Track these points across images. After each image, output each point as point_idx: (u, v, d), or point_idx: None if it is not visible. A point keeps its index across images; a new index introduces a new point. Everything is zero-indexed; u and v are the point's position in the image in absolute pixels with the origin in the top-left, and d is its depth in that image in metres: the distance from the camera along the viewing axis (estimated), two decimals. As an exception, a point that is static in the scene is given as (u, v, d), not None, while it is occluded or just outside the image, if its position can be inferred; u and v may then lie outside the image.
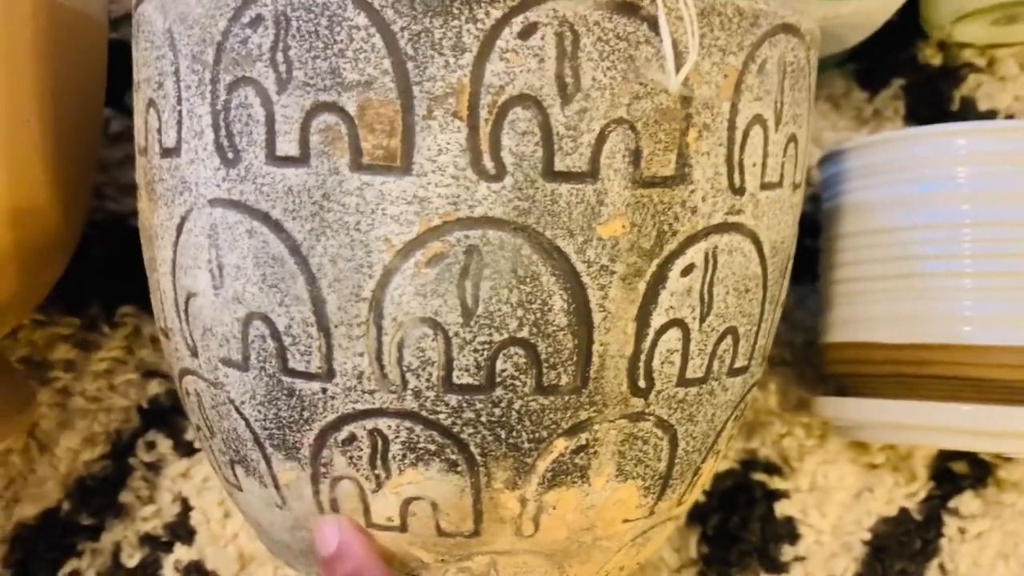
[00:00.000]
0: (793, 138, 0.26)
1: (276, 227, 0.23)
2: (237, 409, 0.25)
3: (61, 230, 0.33)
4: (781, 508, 0.40)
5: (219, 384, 0.25)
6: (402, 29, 0.21)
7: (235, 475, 0.27)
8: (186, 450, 0.40)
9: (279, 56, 0.22)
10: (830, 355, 0.36)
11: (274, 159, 0.22)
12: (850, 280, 0.35)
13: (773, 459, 0.40)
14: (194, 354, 0.26)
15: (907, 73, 0.43)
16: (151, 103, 0.25)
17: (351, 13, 0.21)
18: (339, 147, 0.22)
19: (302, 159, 0.22)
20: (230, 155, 0.23)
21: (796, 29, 0.25)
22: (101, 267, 0.40)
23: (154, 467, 0.40)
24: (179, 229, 0.25)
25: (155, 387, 0.40)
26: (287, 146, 0.22)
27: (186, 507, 0.39)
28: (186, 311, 0.25)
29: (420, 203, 0.22)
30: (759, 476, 0.40)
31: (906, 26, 0.42)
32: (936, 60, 0.43)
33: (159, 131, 0.25)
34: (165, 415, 0.40)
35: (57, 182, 0.31)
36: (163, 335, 0.28)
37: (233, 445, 0.26)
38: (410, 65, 0.21)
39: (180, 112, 0.24)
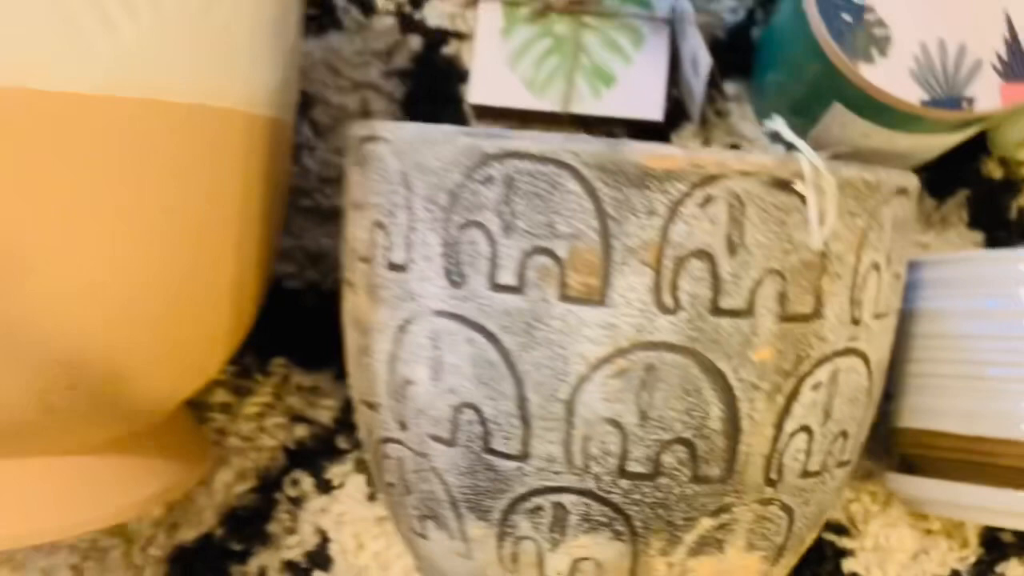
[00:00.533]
0: (898, 275, 0.31)
1: (492, 339, 0.28)
2: (439, 476, 0.31)
3: (256, 307, 0.38)
4: (847, 565, 0.45)
5: (424, 455, 0.31)
6: (607, 196, 0.27)
7: (423, 527, 0.33)
8: (325, 488, 0.44)
9: (505, 208, 0.28)
10: (900, 437, 0.41)
11: (495, 286, 0.28)
12: (922, 375, 0.39)
13: (842, 521, 0.45)
14: (403, 428, 0.31)
15: (971, 184, 0.48)
16: (380, 224, 0.31)
17: (569, 183, 0.27)
18: (550, 282, 0.28)
19: (519, 288, 0.28)
20: (456, 279, 0.29)
21: (906, 190, 0.31)
22: (256, 322, 0.46)
23: (297, 502, 0.44)
24: (401, 329, 0.30)
25: (301, 430, 0.45)
26: (507, 277, 0.28)
27: (324, 539, 0.44)
28: (401, 393, 0.31)
29: (611, 329, 0.28)
30: (829, 536, 0.45)
31: (973, 142, 0.47)
32: (998, 174, 0.48)
33: (387, 248, 0.31)
34: (309, 456, 0.44)
35: (257, 272, 0.36)
36: (366, 406, 0.33)
37: (428, 503, 0.32)
38: (612, 224, 0.27)
39: (411, 238, 0.30)
